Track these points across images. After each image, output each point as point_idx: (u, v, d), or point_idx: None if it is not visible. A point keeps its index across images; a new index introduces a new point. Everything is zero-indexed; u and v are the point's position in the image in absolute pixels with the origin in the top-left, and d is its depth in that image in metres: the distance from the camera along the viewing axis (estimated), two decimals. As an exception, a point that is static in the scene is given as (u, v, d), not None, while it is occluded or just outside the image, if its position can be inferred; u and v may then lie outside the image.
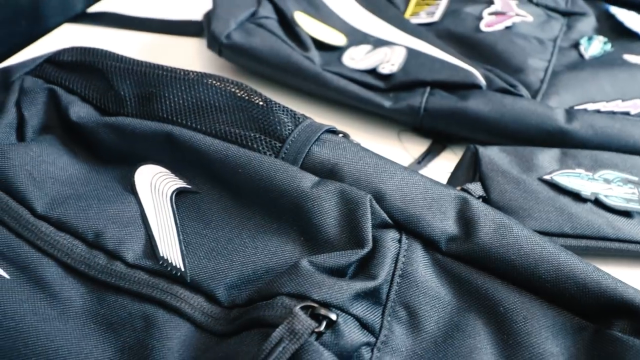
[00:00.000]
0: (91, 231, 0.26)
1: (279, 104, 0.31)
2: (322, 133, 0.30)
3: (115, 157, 0.30)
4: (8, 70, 0.33)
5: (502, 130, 0.37)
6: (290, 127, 0.30)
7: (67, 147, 0.30)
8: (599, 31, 0.51)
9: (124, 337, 0.24)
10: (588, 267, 0.24)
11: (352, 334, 0.22)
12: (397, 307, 0.25)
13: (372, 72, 0.42)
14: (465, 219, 0.27)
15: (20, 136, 0.30)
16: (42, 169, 0.28)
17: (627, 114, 0.39)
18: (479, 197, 0.31)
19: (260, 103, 0.31)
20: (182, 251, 0.26)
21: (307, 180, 0.27)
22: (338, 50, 0.46)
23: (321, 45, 0.46)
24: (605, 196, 0.32)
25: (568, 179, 0.32)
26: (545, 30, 0.49)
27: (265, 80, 0.45)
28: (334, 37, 0.47)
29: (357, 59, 0.44)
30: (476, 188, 0.31)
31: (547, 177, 0.32)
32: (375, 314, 0.24)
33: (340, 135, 0.32)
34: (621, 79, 0.42)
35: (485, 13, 0.49)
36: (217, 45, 0.43)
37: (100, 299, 0.25)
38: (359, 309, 0.23)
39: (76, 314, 0.24)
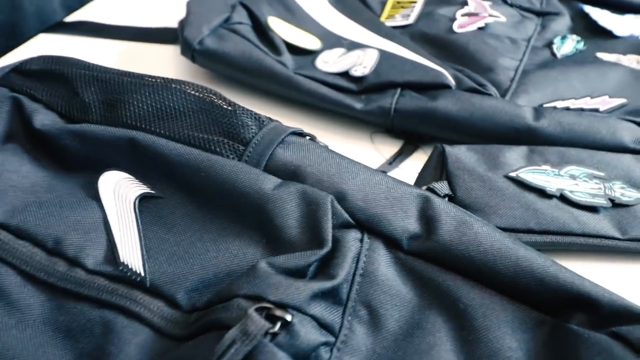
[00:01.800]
0: (51, 238, 0.26)
1: (244, 107, 0.31)
2: (286, 135, 0.30)
3: (79, 164, 0.30)
4: (-27, 80, 0.33)
5: (471, 129, 0.37)
6: (254, 130, 0.30)
7: (31, 155, 0.30)
8: (574, 30, 0.52)
9: (82, 344, 0.24)
10: (546, 262, 0.24)
11: (309, 334, 0.22)
12: (358, 307, 0.25)
13: (345, 74, 0.42)
14: (427, 217, 0.27)
15: (-16, 145, 0.30)
16: (3, 177, 0.28)
17: (596, 110, 0.39)
18: (445, 196, 0.31)
19: (225, 106, 0.31)
20: (142, 256, 0.26)
21: (269, 182, 0.27)
22: (312, 54, 0.46)
23: (296, 50, 0.46)
24: (571, 192, 0.32)
25: (534, 175, 0.32)
26: (519, 30, 0.50)
27: (238, 85, 0.45)
28: (308, 41, 0.47)
29: (330, 62, 0.44)
30: (442, 187, 0.32)
31: (512, 174, 0.32)
32: (335, 313, 0.24)
33: (307, 137, 0.32)
34: (591, 76, 0.42)
35: (458, 14, 0.49)
36: (189, 51, 0.44)
37: (59, 306, 0.25)
38: (317, 309, 0.23)
39: (35, 321, 0.24)
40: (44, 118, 0.31)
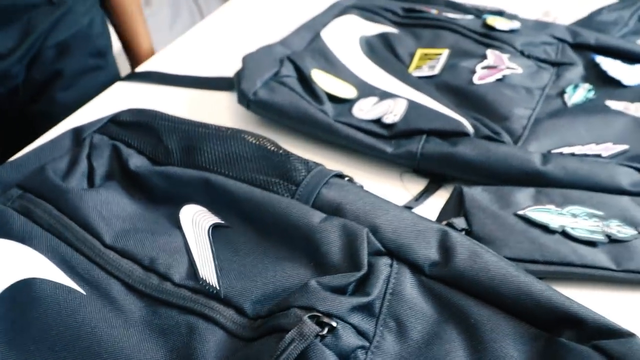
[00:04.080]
0: (147, 258, 0.33)
1: (294, 154, 0.38)
2: (329, 177, 0.37)
3: (164, 199, 0.37)
4: (80, 129, 0.41)
5: (487, 171, 0.43)
6: (303, 173, 0.37)
7: (126, 191, 0.38)
8: (586, 79, 0.57)
9: (172, 341, 0.30)
10: (542, 287, 0.30)
11: (349, 339, 0.28)
12: (388, 319, 0.31)
13: (377, 121, 0.49)
14: (445, 247, 0.33)
15: (91, 182, 0.38)
16: (108, 208, 0.35)
17: (599, 156, 0.44)
18: (462, 230, 0.37)
19: (280, 152, 0.39)
20: (217, 274, 0.33)
21: (317, 216, 0.34)
22: (349, 102, 0.53)
23: (335, 98, 0.53)
24: (572, 228, 0.37)
25: (539, 213, 0.38)
26: (534, 80, 0.55)
27: (286, 129, 0.52)
28: (346, 91, 0.54)
29: (365, 109, 0.51)
30: (460, 222, 0.37)
31: (521, 212, 0.38)
32: (370, 323, 0.30)
33: (346, 178, 0.39)
34: (597, 125, 0.47)
35: (478, 67, 0.55)
36: (245, 101, 0.51)
37: (154, 312, 0.31)
38: (355, 319, 0.29)
39: (135, 322, 0.31)
40: (136, 161, 0.38)
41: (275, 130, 0.52)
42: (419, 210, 0.43)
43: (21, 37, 0.61)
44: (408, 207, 0.43)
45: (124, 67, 0.80)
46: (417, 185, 0.46)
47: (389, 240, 0.33)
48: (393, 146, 0.46)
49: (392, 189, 0.46)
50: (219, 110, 0.57)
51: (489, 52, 0.58)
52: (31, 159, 0.39)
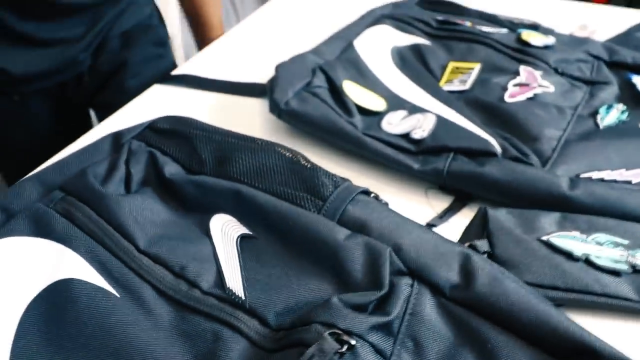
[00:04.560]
0: (177, 265, 0.35)
1: (323, 169, 0.39)
2: (356, 194, 0.38)
3: (196, 207, 0.39)
4: (120, 134, 0.43)
5: (513, 193, 0.43)
6: (330, 189, 0.38)
7: (161, 198, 0.39)
8: (621, 99, 0.56)
9: (198, 347, 0.32)
10: (560, 317, 0.30)
11: (367, 357, 0.29)
12: (406, 339, 0.32)
13: (406, 136, 0.50)
14: (466, 271, 0.33)
15: (128, 188, 0.40)
16: (143, 214, 0.37)
17: (629, 182, 0.44)
18: (484, 252, 0.37)
19: (309, 166, 0.40)
20: (243, 284, 0.34)
21: (342, 233, 0.35)
22: (379, 114, 0.54)
23: (365, 110, 0.54)
24: (597, 257, 0.37)
25: (563, 240, 0.38)
26: (567, 99, 0.55)
27: (315, 140, 0.53)
28: (376, 103, 0.55)
29: (393, 123, 0.52)
30: (483, 244, 0.38)
31: (545, 237, 0.38)
32: (388, 342, 0.31)
33: (372, 195, 0.39)
34: (628, 149, 0.47)
35: (510, 84, 0.55)
36: (277, 110, 0.53)
37: (182, 317, 0.33)
38: (374, 337, 0.30)
39: (164, 326, 0.33)
40: (171, 169, 0.40)
41: (304, 140, 0.53)
42: (442, 228, 0.44)
43: (88, 26, 0.65)
44: (432, 225, 0.44)
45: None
46: (442, 203, 0.47)
47: (411, 261, 0.34)
48: (420, 162, 0.47)
49: (416, 205, 0.46)
50: (251, 117, 0.58)
51: (522, 69, 0.58)
52: (73, 161, 0.41)
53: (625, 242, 0.38)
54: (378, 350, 0.30)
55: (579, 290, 0.36)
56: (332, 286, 0.33)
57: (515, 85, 0.55)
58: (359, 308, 0.31)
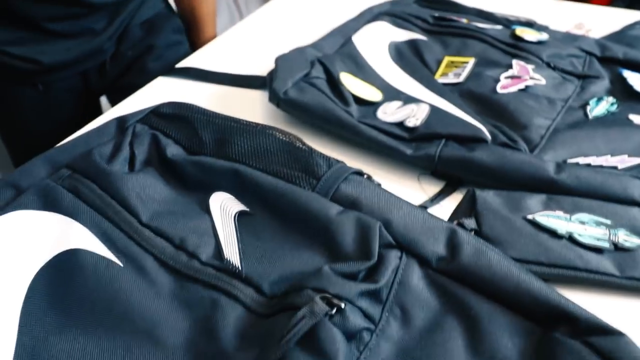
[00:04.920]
0: (178, 237, 0.36)
1: (318, 151, 0.41)
2: (349, 174, 0.40)
3: (196, 185, 0.41)
4: (124, 118, 0.45)
5: (502, 177, 0.45)
6: (324, 169, 0.40)
7: (163, 177, 0.41)
8: (611, 93, 0.58)
9: (197, 313, 0.34)
10: (541, 285, 0.32)
11: (356, 320, 0.31)
12: (394, 306, 0.33)
13: (400, 124, 0.52)
14: (453, 244, 0.35)
15: (131, 167, 0.41)
16: (146, 191, 0.39)
17: (615, 168, 0.45)
18: (471, 230, 0.39)
19: (304, 148, 0.41)
20: (240, 256, 0.36)
21: (334, 209, 0.37)
22: (374, 105, 0.55)
23: (361, 101, 0.56)
24: (580, 235, 0.39)
25: (548, 219, 0.40)
26: (558, 91, 0.56)
27: (313, 128, 0.55)
28: (372, 94, 0.57)
29: (388, 112, 0.54)
30: (470, 222, 0.40)
31: (530, 216, 0.40)
32: (377, 308, 0.33)
33: (365, 176, 0.41)
34: (614, 137, 0.48)
35: (502, 77, 0.57)
36: (276, 99, 0.54)
37: (182, 286, 0.35)
38: (364, 303, 0.32)
39: (165, 294, 0.34)
40: (173, 150, 0.42)
41: (302, 128, 0.55)
42: (433, 210, 0.45)
43: (111, 17, 0.71)
44: (423, 207, 0.45)
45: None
46: (433, 187, 0.48)
47: (400, 235, 0.36)
48: (413, 149, 0.49)
49: (409, 189, 0.48)
50: (251, 107, 0.60)
51: (515, 63, 0.59)
52: (80, 142, 0.43)
53: (608, 221, 0.40)
54: (367, 315, 0.32)
55: (562, 265, 0.37)
56: (324, 258, 0.35)
57: (507, 77, 0.57)
58: (349, 276, 0.33)
